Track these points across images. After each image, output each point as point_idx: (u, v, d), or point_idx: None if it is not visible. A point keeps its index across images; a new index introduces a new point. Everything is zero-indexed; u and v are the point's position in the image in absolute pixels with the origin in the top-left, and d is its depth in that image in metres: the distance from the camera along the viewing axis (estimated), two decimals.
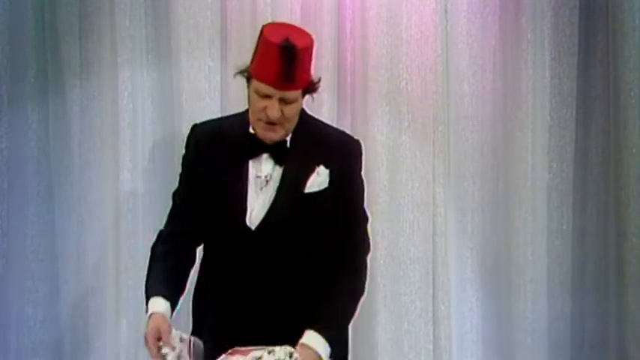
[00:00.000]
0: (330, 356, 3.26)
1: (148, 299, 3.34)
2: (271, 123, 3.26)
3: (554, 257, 4.67)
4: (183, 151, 3.53)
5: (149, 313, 3.30)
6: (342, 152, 3.39)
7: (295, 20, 4.43)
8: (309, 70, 3.31)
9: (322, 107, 4.48)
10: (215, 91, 4.48)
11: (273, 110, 3.23)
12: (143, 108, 4.48)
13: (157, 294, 3.32)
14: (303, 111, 3.38)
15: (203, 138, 3.42)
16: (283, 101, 3.24)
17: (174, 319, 3.35)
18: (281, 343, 3.20)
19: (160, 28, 4.45)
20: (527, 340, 4.65)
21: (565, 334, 4.69)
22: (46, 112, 4.42)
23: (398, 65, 4.56)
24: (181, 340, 3.26)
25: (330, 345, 3.25)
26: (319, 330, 3.24)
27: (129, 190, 4.44)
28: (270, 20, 4.34)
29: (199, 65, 4.47)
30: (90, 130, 4.45)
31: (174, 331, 3.26)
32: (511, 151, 4.67)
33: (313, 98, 3.41)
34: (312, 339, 3.24)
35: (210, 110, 4.42)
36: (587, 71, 4.67)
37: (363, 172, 3.51)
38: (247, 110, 3.39)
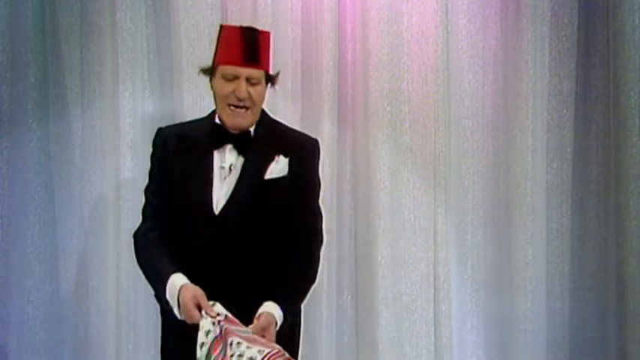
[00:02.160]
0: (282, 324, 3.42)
1: (165, 279, 3.42)
2: (240, 107, 3.49)
3: (554, 257, 4.68)
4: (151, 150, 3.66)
5: (180, 285, 3.39)
6: (301, 146, 3.61)
7: (295, 20, 4.45)
8: (269, 56, 3.56)
9: (323, 107, 4.49)
10: None
11: (241, 89, 3.47)
12: (143, 108, 4.48)
13: (175, 271, 3.43)
14: (264, 111, 3.59)
15: (169, 138, 3.62)
16: (249, 82, 3.49)
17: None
18: (240, 316, 3.33)
19: (160, 28, 4.45)
20: (527, 340, 4.65)
21: (565, 334, 4.70)
22: (47, 112, 4.41)
23: (399, 65, 4.57)
24: (218, 314, 3.34)
25: (284, 315, 3.43)
26: (276, 301, 3.42)
27: (129, 191, 4.44)
28: (271, 21, 4.43)
29: (200, 65, 4.46)
30: (90, 130, 4.44)
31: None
32: (511, 151, 4.67)
33: (275, 89, 3.64)
34: (270, 306, 3.41)
35: (210, 110, 4.42)
36: (587, 71, 4.67)
37: (320, 172, 3.65)
38: (212, 112, 3.62)
